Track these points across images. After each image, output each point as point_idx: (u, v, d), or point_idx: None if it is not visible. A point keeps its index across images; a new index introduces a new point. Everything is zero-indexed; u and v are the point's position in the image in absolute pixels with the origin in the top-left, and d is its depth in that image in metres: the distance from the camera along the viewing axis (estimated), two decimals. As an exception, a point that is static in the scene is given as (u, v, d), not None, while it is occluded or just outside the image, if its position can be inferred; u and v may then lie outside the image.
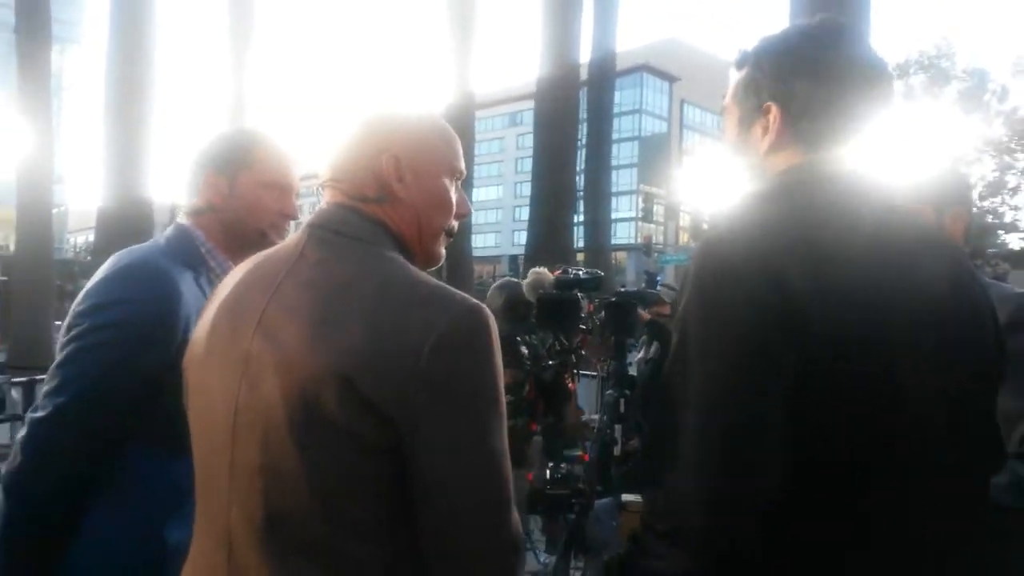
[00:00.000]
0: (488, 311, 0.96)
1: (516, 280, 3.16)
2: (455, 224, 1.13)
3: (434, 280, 0.98)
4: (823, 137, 1.07)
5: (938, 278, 1.01)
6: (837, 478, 0.94)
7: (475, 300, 0.95)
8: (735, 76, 1.17)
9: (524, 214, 12.47)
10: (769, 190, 1.08)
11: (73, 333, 1.31)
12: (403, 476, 0.90)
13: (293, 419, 0.90)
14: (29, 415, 1.31)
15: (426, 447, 0.89)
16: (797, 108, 1.07)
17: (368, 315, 0.91)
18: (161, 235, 1.51)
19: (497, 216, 76.36)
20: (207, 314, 1.08)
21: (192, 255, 1.45)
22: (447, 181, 1.10)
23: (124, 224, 8.04)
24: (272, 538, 0.93)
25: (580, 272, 2.66)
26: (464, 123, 11.73)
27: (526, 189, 12.51)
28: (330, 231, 1.02)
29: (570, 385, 3.19)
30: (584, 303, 2.84)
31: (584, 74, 13.74)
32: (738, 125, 1.15)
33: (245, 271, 1.07)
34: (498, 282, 3.25)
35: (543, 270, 3.15)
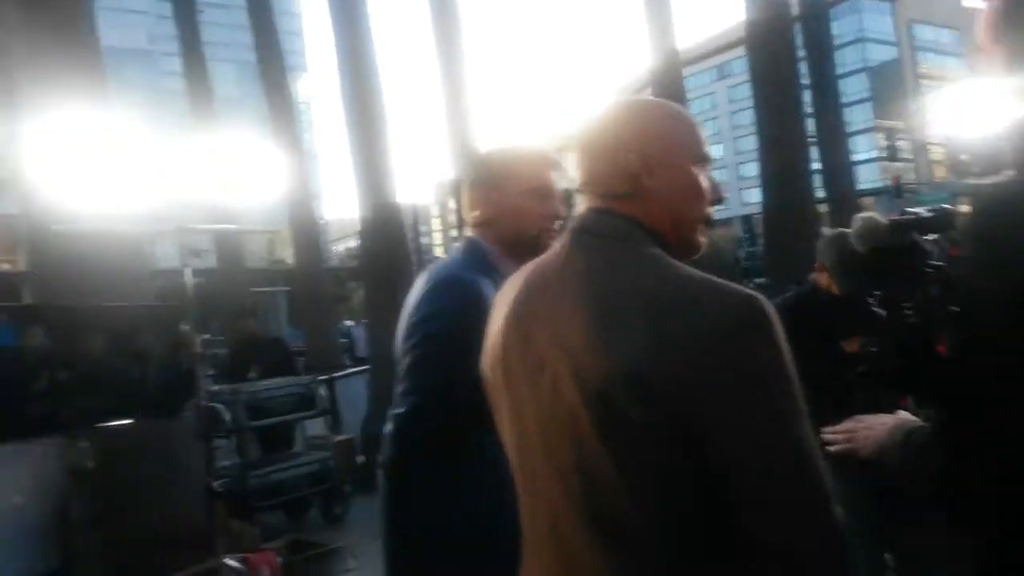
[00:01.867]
0: (764, 300, 0.94)
1: (847, 231, 2.71)
2: (711, 212, 1.12)
3: (701, 273, 0.98)
4: None
5: None
6: None
7: (750, 291, 0.95)
8: (982, 8, 1.02)
9: (748, 171, 11.83)
10: None
11: (412, 342, 1.58)
12: (710, 471, 0.91)
13: (595, 421, 0.94)
14: (391, 412, 1.56)
15: (724, 440, 0.90)
16: None
17: (647, 315, 0.93)
18: (456, 248, 1.73)
19: (720, 176, 72.95)
20: (496, 321, 1.16)
21: (485, 264, 1.64)
22: (695, 169, 1.10)
23: (381, 229, 8.75)
24: (599, 537, 0.97)
25: (920, 212, 2.25)
26: (672, 84, 11.29)
27: (745, 144, 11.87)
28: (590, 235, 1.06)
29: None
30: (933, 247, 2.38)
31: (795, 9, 12.72)
32: (1006, 66, 1.01)
33: (522, 280, 1.14)
34: (827, 235, 2.93)
35: (872, 215, 2.72)
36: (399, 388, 1.58)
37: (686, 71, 15.12)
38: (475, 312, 1.46)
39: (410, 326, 1.59)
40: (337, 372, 8.55)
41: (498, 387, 1.14)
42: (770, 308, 0.94)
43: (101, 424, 3.78)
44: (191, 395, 4.54)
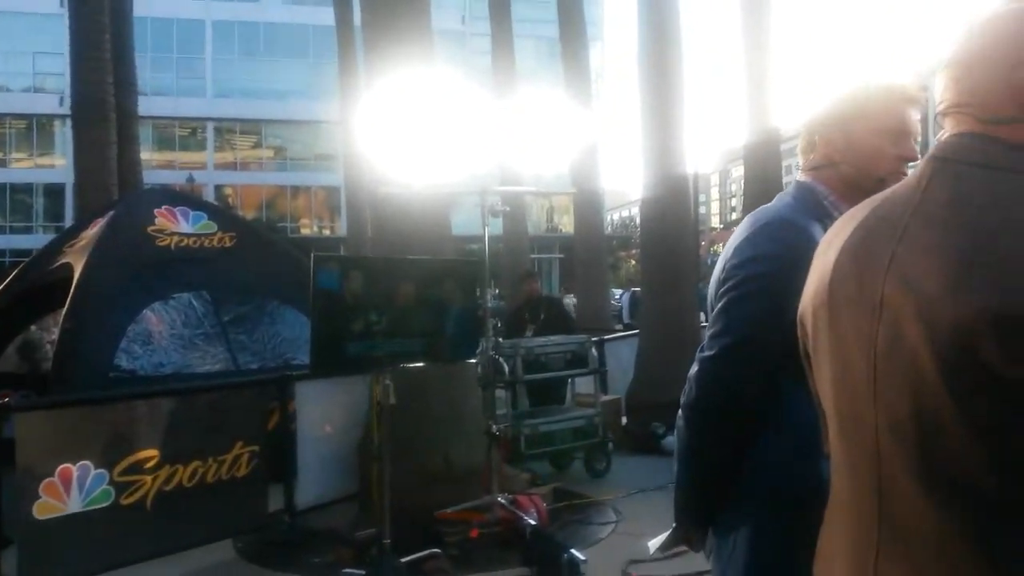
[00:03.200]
0: None
1: None
2: None
3: None
4: None
5: None
6: None
7: None
8: None
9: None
10: None
11: (729, 284, 1.53)
12: None
13: (944, 366, 0.84)
14: (699, 355, 1.54)
15: None
16: None
17: None
18: (785, 193, 1.64)
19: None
20: (824, 259, 1.07)
21: (818, 208, 1.55)
22: None
23: (665, 201, 8.64)
24: (931, 486, 0.88)
25: None
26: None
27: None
28: (960, 163, 0.93)
29: None
30: None
31: None
32: None
33: (862, 215, 1.04)
34: None
35: None
36: (710, 330, 1.55)
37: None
38: (802, 258, 1.39)
39: (728, 268, 1.54)
40: (607, 335, 8.70)
41: (820, 329, 1.05)
42: None
43: (404, 364, 4.21)
44: (478, 346, 4.90)
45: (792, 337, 1.23)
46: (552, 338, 6.42)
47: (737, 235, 1.59)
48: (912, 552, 0.91)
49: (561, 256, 33.89)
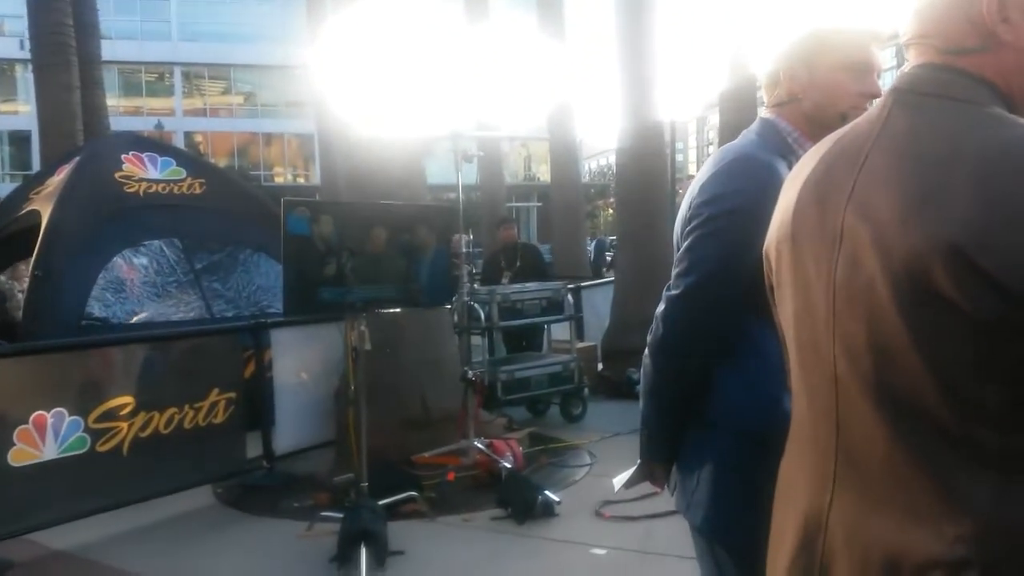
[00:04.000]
0: None
1: None
2: None
3: None
4: None
5: None
6: None
7: None
8: None
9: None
10: None
11: (695, 223, 1.51)
12: None
13: (899, 296, 0.85)
14: (665, 294, 1.54)
15: None
16: None
17: (980, 183, 0.81)
18: (749, 130, 1.62)
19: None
20: (788, 193, 1.08)
21: (781, 144, 1.54)
22: None
23: (639, 147, 8.60)
24: (887, 415, 0.89)
25: None
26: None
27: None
28: (920, 94, 0.93)
29: None
30: None
31: None
32: None
33: (825, 148, 1.03)
34: None
35: None
36: (676, 268, 1.54)
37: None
38: (767, 194, 1.39)
39: (694, 207, 1.53)
40: (583, 282, 8.74)
41: (783, 262, 1.06)
42: None
43: (378, 310, 4.20)
44: (454, 292, 4.89)
45: (758, 273, 1.23)
46: (528, 284, 6.43)
47: (702, 173, 1.58)
48: (866, 480, 0.93)
49: (539, 205, 33.78)
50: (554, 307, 6.24)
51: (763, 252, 1.14)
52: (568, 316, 6.40)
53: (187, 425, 4.34)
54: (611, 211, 32.00)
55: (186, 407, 4.34)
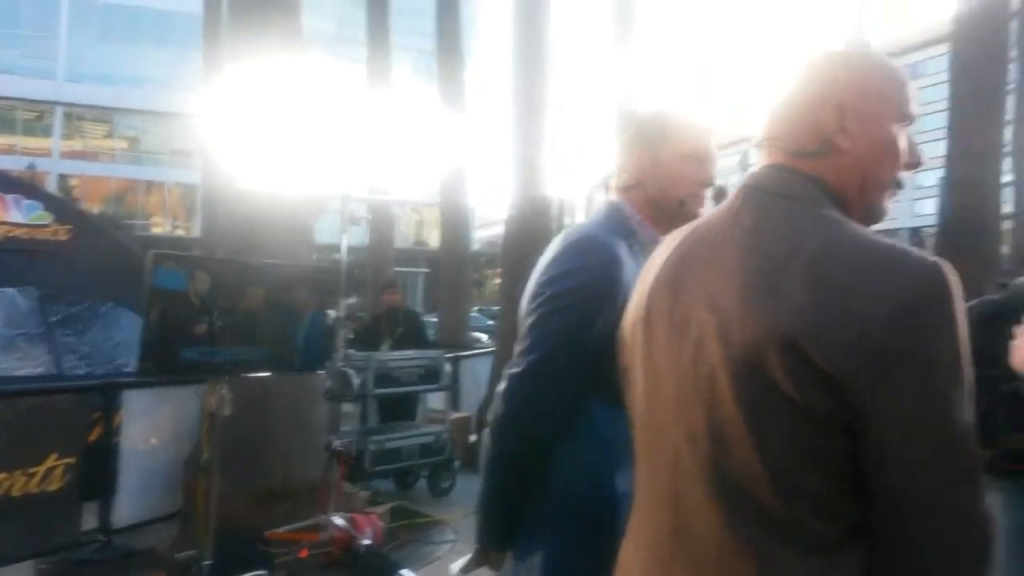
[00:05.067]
0: (950, 271, 0.84)
1: None
2: (904, 177, 1.02)
3: (885, 239, 0.88)
4: None
5: None
6: None
7: (935, 259, 0.87)
8: None
9: (923, 180, 10.87)
10: None
11: (538, 301, 1.52)
12: (853, 447, 0.86)
13: (737, 385, 0.90)
14: (506, 371, 1.53)
15: (881, 423, 0.84)
16: None
17: (812, 277, 0.87)
18: (597, 211, 1.68)
19: (893, 184, 68.12)
20: (645, 280, 1.11)
21: (625, 228, 1.59)
22: (895, 128, 1.01)
23: (528, 221, 8.80)
24: (722, 502, 0.93)
25: None
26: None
27: (929, 150, 10.82)
28: (766, 192, 1.00)
29: None
30: None
31: (1016, 4, 11.47)
32: None
33: (683, 236, 1.08)
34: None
35: None
36: (518, 346, 1.53)
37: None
38: (609, 273, 1.47)
39: (538, 285, 1.55)
40: (465, 352, 8.71)
41: (636, 345, 1.10)
42: (954, 279, 0.87)
43: (244, 374, 4.01)
44: (328, 357, 4.76)
45: (599, 351, 1.26)
46: (406, 352, 6.34)
47: (548, 252, 1.60)
48: (698, 565, 0.95)
49: (427, 271, 33.78)
50: (431, 376, 6.17)
51: (620, 333, 1.17)
52: (443, 385, 6.33)
53: (16, 492, 3.93)
54: (498, 280, 32.37)
55: (17, 472, 3.94)
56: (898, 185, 1.04)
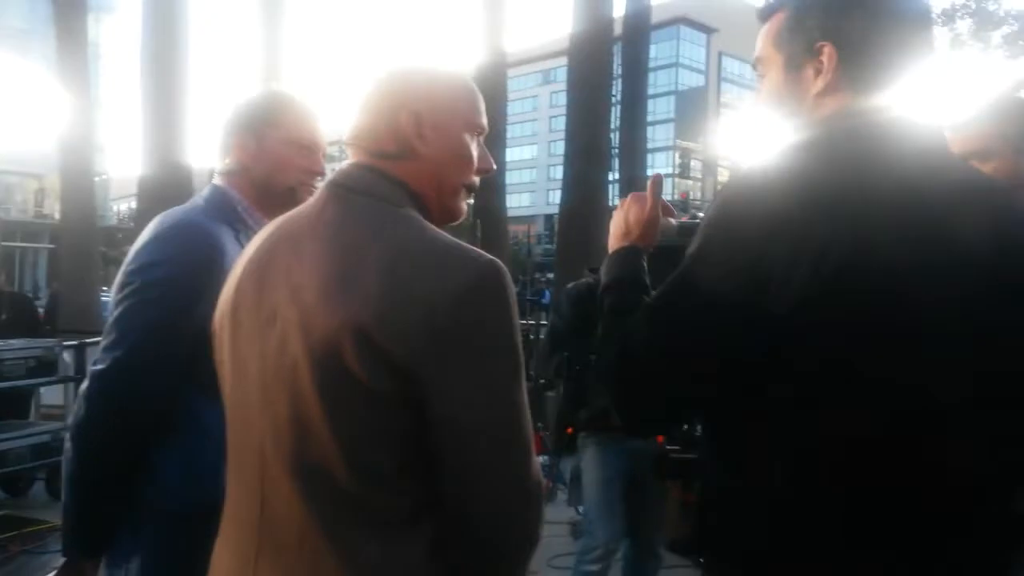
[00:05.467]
0: (503, 268, 0.98)
1: None
2: (476, 180, 1.14)
3: (450, 238, 1.00)
4: (877, 78, 1.03)
5: (981, 236, 0.95)
6: (848, 453, 0.93)
7: (490, 256, 0.97)
8: (767, 24, 1.13)
9: (559, 173, 12.37)
10: (813, 139, 1.05)
11: (126, 291, 1.41)
12: (423, 429, 0.93)
13: (317, 374, 0.94)
14: (90, 368, 1.40)
15: (442, 399, 0.92)
16: (852, 46, 1.03)
17: (384, 272, 0.93)
18: (199, 196, 1.59)
19: (532, 175, 75.75)
20: (236, 273, 1.11)
21: (229, 213, 1.52)
22: (468, 136, 1.11)
23: (164, 190, 8.16)
24: (304, 488, 0.96)
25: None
26: (496, 81, 11.59)
27: (561, 148, 12.38)
28: (349, 189, 1.04)
29: None
30: None
31: (619, 28, 13.43)
32: (784, 70, 1.11)
33: (270, 231, 1.10)
34: None
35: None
36: (104, 341, 1.41)
37: (512, 72, 15.45)
38: (205, 263, 1.38)
39: (126, 274, 1.43)
40: (91, 338, 7.79)
41: (224, 340, 1.09)
42: (507, 275, 0.97)
43: None
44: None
45: (198, 344, 1.22)
46: (12, 342, 5.48)
47: (141, 238, 1.49)
48: (284, 555, 0.98)
49: (52, 247, 29.24)
50: (45, 367, 5.42)
51: (212, 327, 1.15)
52: (64, 377, 5.61)
53: None
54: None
55: None
56: (470, 188, 1.13)
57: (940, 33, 18.88)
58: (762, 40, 1.14)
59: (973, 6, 19.40)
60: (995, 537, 0.99)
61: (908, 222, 0.93)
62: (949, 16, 19.49)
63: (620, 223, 1.29)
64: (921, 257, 0.92)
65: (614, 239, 1.29)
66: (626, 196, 1.34)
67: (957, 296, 0.93)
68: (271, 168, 1.55)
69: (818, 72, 1.06)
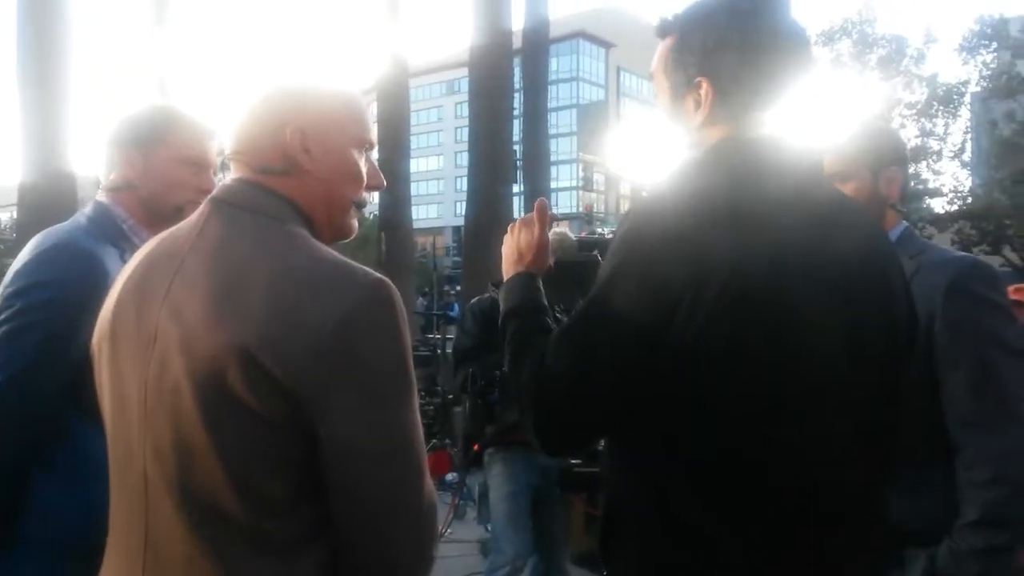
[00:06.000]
0: (392, 286, 0.97)
1: None
2: (366, 196, 1.13)
3: (338, 256, 0.98)
4: (751, 107, 1.10)
5: (852, 248, 1.06)
6: (735, 452, 0.99)
7: (379, 275, 0.95)
8: (660, 45, 1.19)
9: (465, 184, 12.41)
10: (701, 161, 1.11)
11: (5, 315, 1.35)
12: (311, 451, 0.91)
13: (200, 397, 0.91)
14: None
15: (330, 421, 0.90)
16: (726, 82, 1.09)
17: (270, 291, 0.91)
18: (81, 213, 1.52)
19: (439, 187, 75.58)
20: (113, 293, 1.07)
21: (114, 232, 1.47)
22: (355, 152, 1.08)
23: (47, 199, 7.70)
24: (189, 515, 0.93)
25: (606, 232, 2.39)
26: (398, 92, 11.56)
27: (465, 159, 12.43)
28: (233, 206, 1.01)
29: None
30: None
31: (518, 42, 13.61)
32: (670, 96, 1.17)
33: (149, 249, 1.07)
34: None
35: (564, 230, 2.89)
36: None
37: (415, 82, 15.36)
38: (88, 284, 1.32)
39: (7, 296, 1.37)
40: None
41: (103, 362, 1.05)
42: (395, 294, 0.95)
43: None
44: None
45: (80, 368, 1.18)
46: None
47: (20, 258, 1.44)
48: None
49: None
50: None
51: (91, 350, 1.10)
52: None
53: None
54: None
55: None
56: (359, 204, 1.11)
57: (821, 54, 20.12)
58: (655, 62, 1.20)
59: (851, 28, 20.76)
60: (869, 539, 1.07)
61: (788, 241, 1.00)
62: (829, 37, 20.78)
63: (512, 249, 1.31)
64: (802, 272, 1.00)
65: (508, 265, 1.31)
66: (531, 209, 1.36)
67: (832, 311, 1.02)
68: (159, 186, 1.50)
69: (698, 104, 1.12)
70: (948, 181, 21.03)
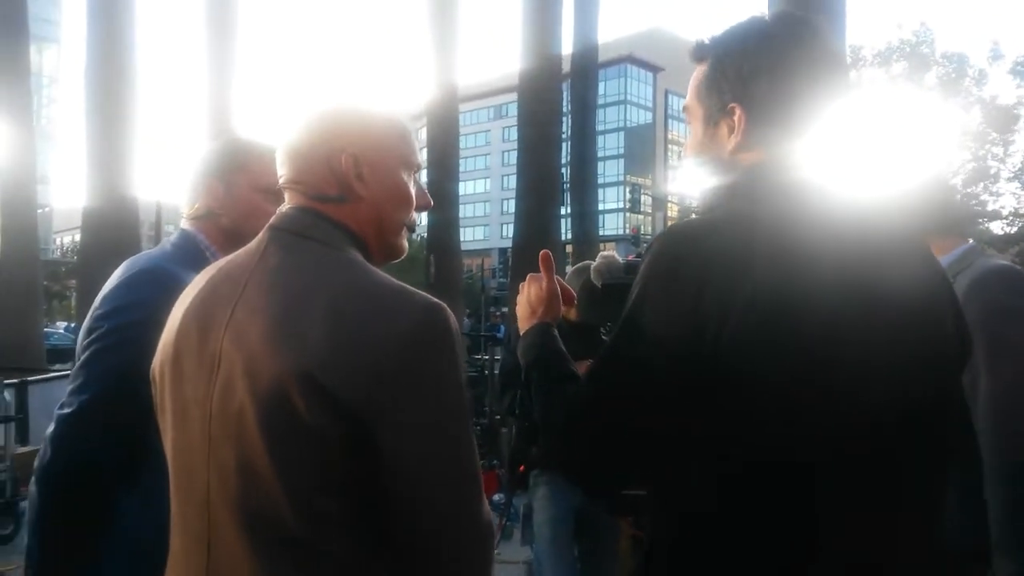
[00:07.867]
0: (447, 310, 0.99)
1: (591, 264, 2.91)
2: (415, 218, 1.15)
3: (393, 280, 1.00)
4: (785, 133, 1.08)
5: (899, 281, 1.02)
6: (781, 484, 0.96)
7: (434, 299, 0.98)
8: (696, 70, 1.17)
9: (512, 207, 12.47)
10: (732, 185, 1.10)
11: (94, 336, 1.40)
12: (373, 471, 0.93)
13: (263, 420, 0.93)
14: (56, 412, 1.38)
15: (390, 441, 0.91)
16: (760, 109, 1.08)
17: (331, 316, 0.93)
18: (167, 240, 1.60)
19: (485, 209, 76.18)
20: (175, 318, 1.09)
21: (197, 258, 1.51)
22: (404, 175, 1.11)
23: (110, 223, 8.01)
24: (251, 536, 0.95)
25: None
26: (448, 116, 11.73)
27: (514, 182, 12.53)
28: (290, 234, 1.04)
29: None
30: None
31: (567, 66, 13.70)
32: (703, 123, 1.16)
33: (211, 275, 1.09)
34: (577, 266, 3.16)
35: (612, 254, 2.94)
36: (71, 385, 1.39)
37: (464, 107, 15.59)
38: (172, 308, 1.36)
39: (95, 318, 1.41)
40: (33, 376, 7.52)
41: (166, 385, 1.07)
42: (452, 317, 0.98)
43: None
44: None
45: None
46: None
47: (109, 282, 1.49)
48: None
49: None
50: (-19, 407, 5.23)
51: (151, 373, 1.13)
52: (3, 417, 5.41)
53: None
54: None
55: None
56: (410, 226, 1.13)
57: (876, 75, 19.76)
58: (689, 90, 1.19)
59: (907, 49, 20.34)
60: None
61: (828, 274, 0.98)
62: (885, 58, 20.40)
63: (524, 305, 1.33)
64: (846, 299, 0.97)
65: (523, 321, 1.32)
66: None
67: (884, 338, 0.98)
68: (240, 214, 1.56)
69: (731, 130, 1.12)
70: (1008, 202, 20.34)
